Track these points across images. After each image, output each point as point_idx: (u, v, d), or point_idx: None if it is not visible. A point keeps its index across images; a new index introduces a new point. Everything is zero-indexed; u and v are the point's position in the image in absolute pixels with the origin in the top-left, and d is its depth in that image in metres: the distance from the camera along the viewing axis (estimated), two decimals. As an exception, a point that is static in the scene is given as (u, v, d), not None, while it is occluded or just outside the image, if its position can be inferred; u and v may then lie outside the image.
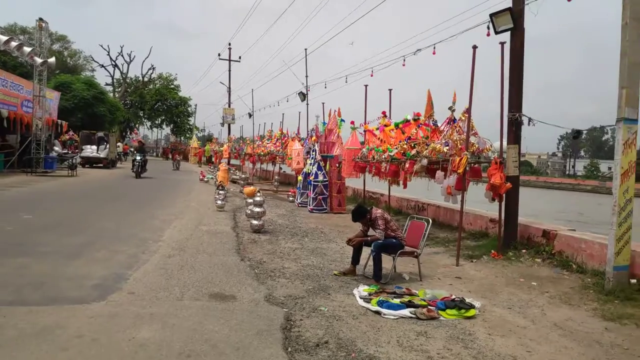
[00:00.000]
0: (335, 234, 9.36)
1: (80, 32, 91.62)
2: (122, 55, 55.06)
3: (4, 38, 17.81)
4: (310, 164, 13.80)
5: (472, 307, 4.88)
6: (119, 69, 55.98)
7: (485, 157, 7.70)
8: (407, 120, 10.62)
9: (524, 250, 7.49)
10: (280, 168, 24.55)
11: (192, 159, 47.46)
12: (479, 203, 9.77)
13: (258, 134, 29.43)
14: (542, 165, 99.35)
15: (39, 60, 20.53)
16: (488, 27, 7.78)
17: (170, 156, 34.38)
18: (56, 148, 24.02)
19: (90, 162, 27.62)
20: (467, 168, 7.47)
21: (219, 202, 11.93)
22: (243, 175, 23.82)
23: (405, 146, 9.70)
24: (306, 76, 24.14)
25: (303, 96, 22.96)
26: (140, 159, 20.99)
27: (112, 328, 3.83)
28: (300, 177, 14.60)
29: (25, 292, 4.63)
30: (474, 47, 7.40)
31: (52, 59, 22.25)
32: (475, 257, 7.48)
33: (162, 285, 5.10)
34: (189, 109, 60.31)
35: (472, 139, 7.65)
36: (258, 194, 9.48)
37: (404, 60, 10.99)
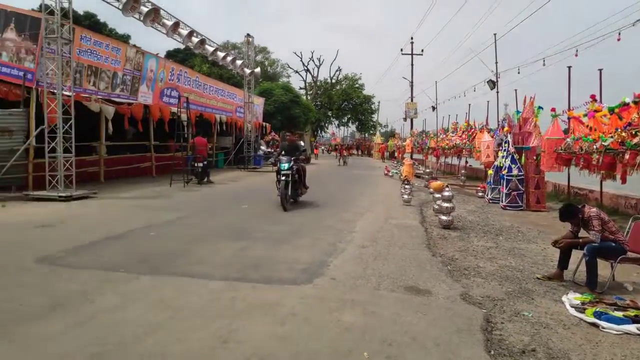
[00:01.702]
0: (535, 234, 8.55)
1: (279, 43, 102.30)
2: (312, 60, 59.89)
3: (222, 54, 20.99)
4: (503, 156, 12.86)
5: None
6: (310, 73, 60.86)
7: None
8: (626, 104, 9.04)
9: None
10: (467, 162, 23.53)
11: (375, 155, 48.87)
12: None
13: (442, 126, 28.72)
14: None
15: (247, 71, 23.68)
16: None
17: (339, 152, 35.22)
18: (262, 147, 27.39)
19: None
20: None
21: (406, 196, 12.01)
22: (427, 170, 23.54)
23: (623, 134, 8.30)
24: (496, 63, 22.61)
25: (493, 84, 21.54)
26: (289, 168, 10.24)
27: (320, 309, 4.21)
28: (490, 171, 13.74)
29: (248, 270, 5.40)
30: None
31: (258, 69, 25.45)
32: None
33: (359, 273, 5.39)
34: (373, 106, 62.15)
35: None
36: (447, 189, 9.26)
37: (619, 35, 9.40)
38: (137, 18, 14.13)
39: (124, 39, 35.03)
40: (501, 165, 12.76)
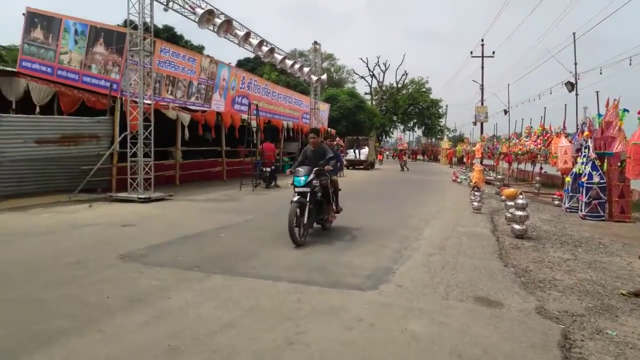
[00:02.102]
0: (619, 246, 7.91)
1: (345, 49, 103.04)
2: (378, 65, 59.82)
3: (290, 62, 21.48)
4: (582, 163, 12.04)
5: None
6: (375, 78, 60.79)
7: None
8: None
9: None
10: (542, 168, 22.29)
11: (442, 160, 47.62)
12: None
13: (514, 131, 27.43)
14: None
15: (314, 78, 24.05)
16: None
17: (399, 157, 34.64)
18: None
19: (353, 164, 30.83)
20: None
21: (476, 203, 11.61)
22: (498, 176, 22.59)
23: None
24: (575, 63, 21.27)
25: (571, 86, 20.32)
26: (307, 183, 7.15)
27: (385, 316, 4.16)
28: (568, 179, 12.91)
29: (314, 274, 5.46)
30: None
31: (324, 76, 25.78)
32: None
33: (426, 282, 5.27)
34: (440, 110, 60.80)
35: None
36: (520, 196, 8.83)
37: None
38: (211, 30, 14.84)
39: (198, 49, 36.95)
40: (580, 172, 11.95)
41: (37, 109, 13.52)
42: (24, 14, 14.89)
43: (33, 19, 14.62)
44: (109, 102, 12.78)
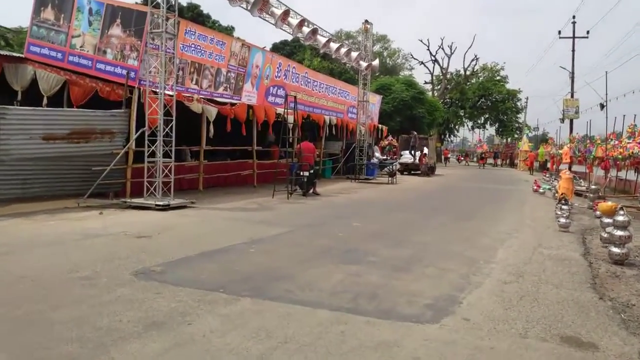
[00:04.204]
0: None
1: (400, 29, 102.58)
2: (442, 49, 58.90)
3: (335, 46, 21.63)
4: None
5: None
6: (438, 64, 60.18)
7: None
8: None
9: None
10: (649, 177, 21.33)
11: (520, 165, 46.44)
12: None
13: (613, 130, 26.41)
14: None
15: (364, 64, 24.10)
16: None
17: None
18: (377, 154, 27.59)
19: (407, 168, 30.55)
20: None
21: (562, 220, 11.28)
22: (591, 186, 21.78)
23: None
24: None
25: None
26: None
27: (448, 356, 4.10)
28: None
29: (361, 301, 5.45)
30: None
31: (376, 62, 25.74)
32: None
33: (500, 315, 5.16)
34: (518, 103, 59.35)
35: None
36: (620, 212, 8.50)
37: None
38: (244, 7, 15.17)
39: (228, 31, 37.86)
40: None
41: (45, 100, 14.20)
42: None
43: (44, -4, 15.39)
44: (125, 93, 13.24)
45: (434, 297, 5.70)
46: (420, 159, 29.80)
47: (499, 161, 56.87)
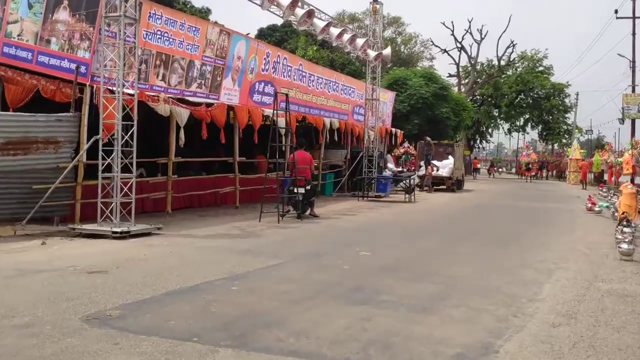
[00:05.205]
0: None
1: (418, 9, 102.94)
2: (470, 33, 58.83)
3: (336, 31, 21.70)
4: None
5: None
6: (466, 52, 60.22)
7: None
8: None
9: None
10: None
11: (571, 177, 46.38)
12: None
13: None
14: None
15: (372, 53, 24.22)
16: None
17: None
18: (390, 165, 27.57)
19: (430, 183, 30.50)
20: None
21: (625, 245, 11.25)
22: (660, 204, 21.78)
23: None
24: None
25: None
26: None
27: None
28: None
29: (372, 351, 5.39)
30: None
31: (387, 50, 25.89)
32: None
33: (548, 368, 5.13)
34: (566, 100, 59.40)
35: None
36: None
37: None
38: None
39: (202, 14, 38.03)
40: None
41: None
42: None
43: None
44: (74, 92, 13.23)
45: (465, 345, 5.65)
46: (426, 167, 29.37)
47: (544, 172, 56.95)
